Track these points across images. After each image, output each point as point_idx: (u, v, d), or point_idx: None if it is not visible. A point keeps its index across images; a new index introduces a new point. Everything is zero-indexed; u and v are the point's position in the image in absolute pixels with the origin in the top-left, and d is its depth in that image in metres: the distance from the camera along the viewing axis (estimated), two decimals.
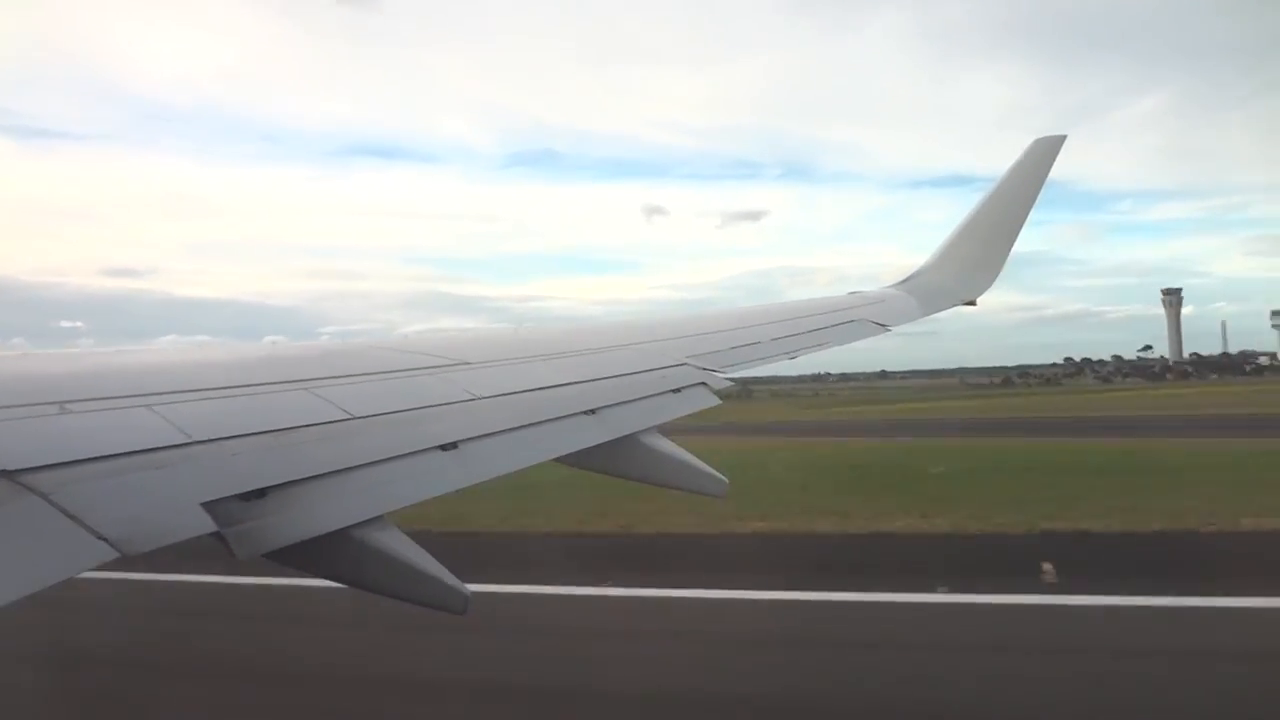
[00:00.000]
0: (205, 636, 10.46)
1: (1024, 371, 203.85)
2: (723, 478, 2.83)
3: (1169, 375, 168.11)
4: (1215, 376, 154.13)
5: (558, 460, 2.50)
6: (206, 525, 1.59)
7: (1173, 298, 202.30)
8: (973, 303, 6.07)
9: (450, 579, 1.92)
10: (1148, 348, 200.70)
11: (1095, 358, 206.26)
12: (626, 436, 2.70)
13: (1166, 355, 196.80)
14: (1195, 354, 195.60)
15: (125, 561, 1.46)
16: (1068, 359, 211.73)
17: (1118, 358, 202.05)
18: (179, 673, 9.20)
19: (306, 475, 1.83)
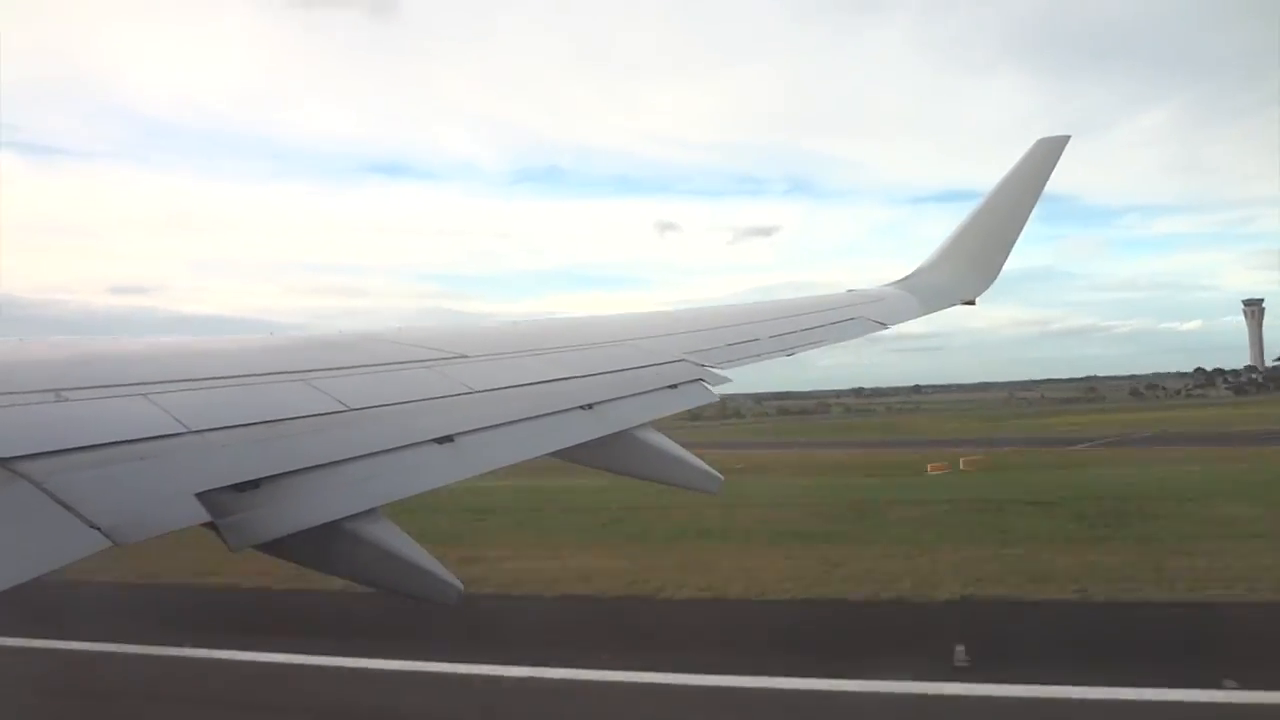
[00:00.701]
0: None
1: (1152, 384, 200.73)
2: (718, 474, 2.83)
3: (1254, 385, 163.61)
4: None
5: (553, 455, 2.51)
6: (200, 515, 1.59)
7: (1254, 308, 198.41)
8: (972, 302, 6.06)
9: (442, 572, 1.93)
10: None
11: (1227, 367, 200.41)
12: (623, 432, 2.70)
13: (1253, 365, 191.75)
14: None
15: None
16: (1198, 369, 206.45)
17: (1251, 368, 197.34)
18: None
19: (301, 467, 1.83)
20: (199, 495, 1.61)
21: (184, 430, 1.75)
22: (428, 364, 2.64)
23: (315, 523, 1.75)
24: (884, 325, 4.90)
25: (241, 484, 1.70)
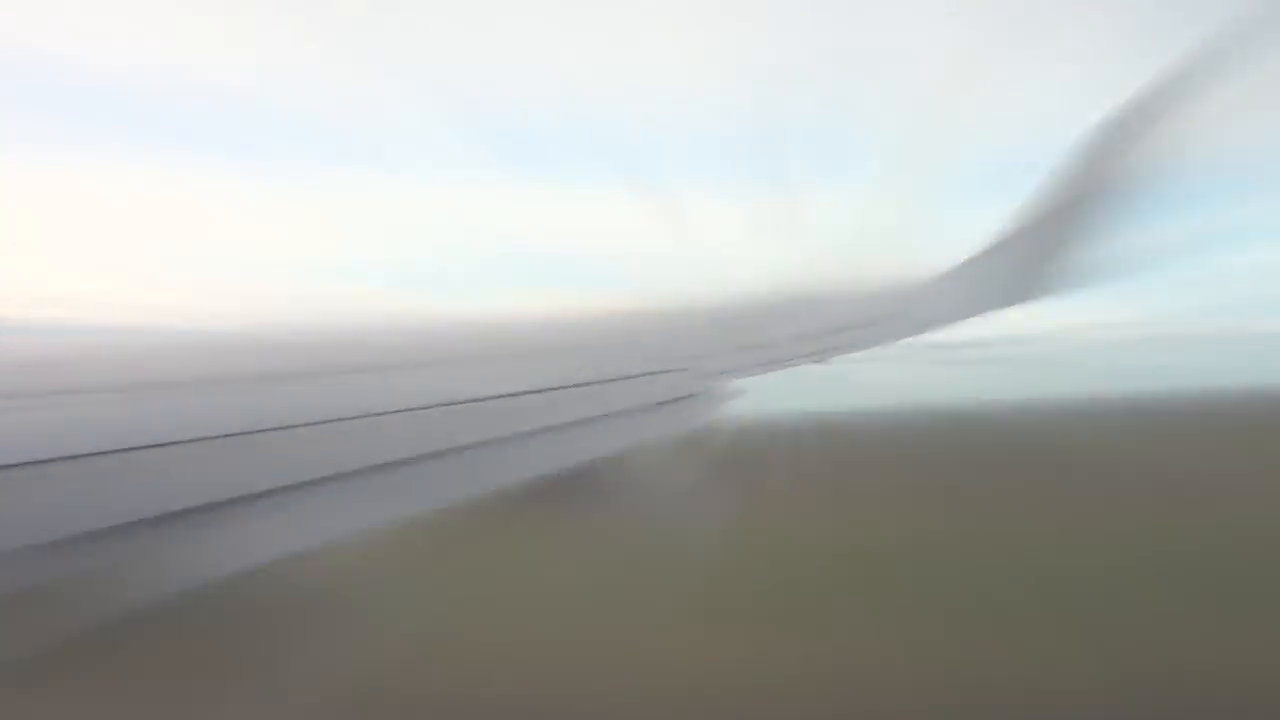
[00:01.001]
0: None
1: None
2: (726, 507, 2.58)
3: None
4: None
5: (535, 477, 2.27)
6: (82, 565, 1.37)
7: None
8: (1031, 304, 5.62)
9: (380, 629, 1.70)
10: None
11: None
12: (615, 453, 2.47)
13: None
14: None
15: None
16: None
17: None
18: None
19: (221, 499, 1.60)
20: (87, 535, 1.39)
21: (82, 453, 1.54)
22: (398, 369, 2.43)
23: (235, 569, 1.53)
24: (924, 327, 4.53)
25: (157, 518, 1.48)
